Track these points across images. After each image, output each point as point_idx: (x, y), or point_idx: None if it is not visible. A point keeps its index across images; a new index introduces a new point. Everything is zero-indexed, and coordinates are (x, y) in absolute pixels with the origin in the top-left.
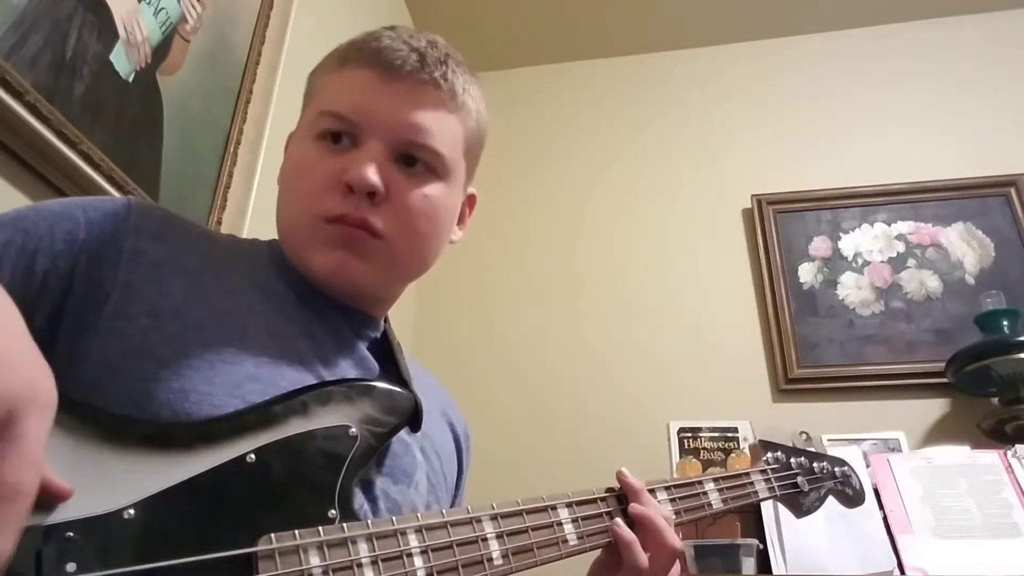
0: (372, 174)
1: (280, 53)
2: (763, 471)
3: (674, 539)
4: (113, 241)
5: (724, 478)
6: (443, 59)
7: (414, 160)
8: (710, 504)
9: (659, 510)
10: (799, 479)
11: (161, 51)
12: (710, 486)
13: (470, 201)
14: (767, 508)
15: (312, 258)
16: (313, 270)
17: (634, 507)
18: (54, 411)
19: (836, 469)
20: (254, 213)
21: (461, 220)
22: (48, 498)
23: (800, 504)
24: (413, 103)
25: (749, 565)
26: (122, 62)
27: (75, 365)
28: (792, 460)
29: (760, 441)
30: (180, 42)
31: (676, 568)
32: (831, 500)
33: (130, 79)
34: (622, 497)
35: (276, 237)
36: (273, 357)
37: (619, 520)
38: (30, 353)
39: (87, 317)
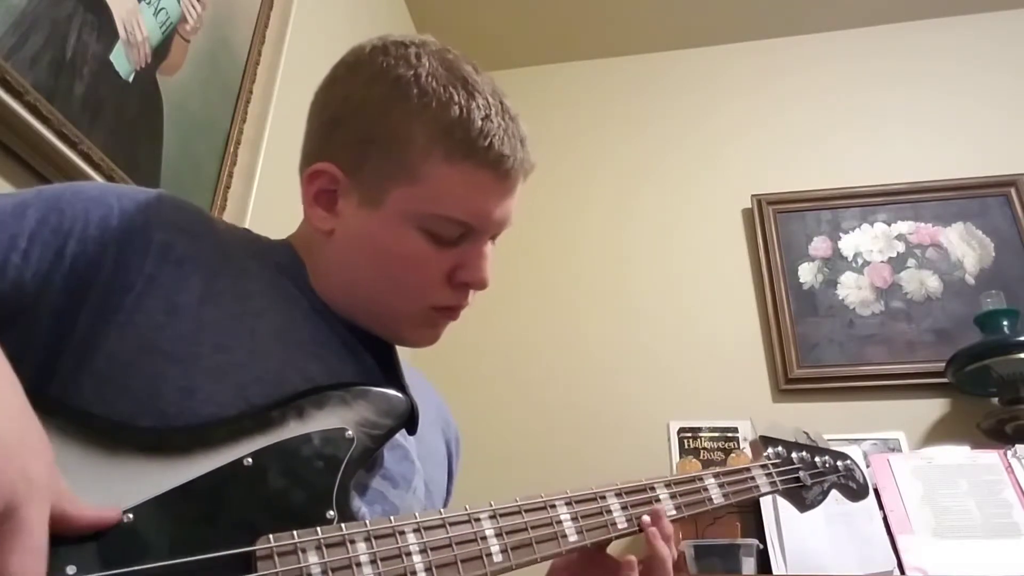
0: (490, 274)
1: (280, 53)
2: (764, 466)
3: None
4: (143, 232)
5: (725, 473)
6: (525, 139)
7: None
8: (711, 499)
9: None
10: (801, 474)
11: (161, 51)
12: (710, 481)
13: None
14: (767, 508)
15: (409, 333)
16: (407, 341)
17: None
18: (50, 491)
19: (839, 463)
20: (254, 213)
21: None
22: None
23: (803, 499)
24: (513, 197)
25: (749, 565)
26: (122, 62)
27: (90, 356)
28: (794, 455)
29: (761, 437)
30: (180, 42)
31: None
32: (834, 494)
33: (130, 79)
34: (621, 494)
35: (285, 238)
36: (279, 361)
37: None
38: (26, 436)
39: (109, 305)
